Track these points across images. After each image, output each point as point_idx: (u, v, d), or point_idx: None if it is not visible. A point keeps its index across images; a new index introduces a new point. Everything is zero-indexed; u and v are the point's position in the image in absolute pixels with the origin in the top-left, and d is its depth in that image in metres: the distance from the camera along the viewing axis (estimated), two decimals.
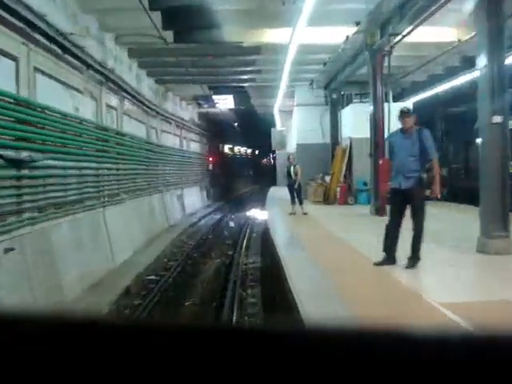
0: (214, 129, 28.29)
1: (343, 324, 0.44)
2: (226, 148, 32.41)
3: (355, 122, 14.42)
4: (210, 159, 25.52)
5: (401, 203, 5.37)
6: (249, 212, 22.16)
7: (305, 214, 12.10)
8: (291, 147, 24.90)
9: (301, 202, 12.34)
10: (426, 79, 16.62)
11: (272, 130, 25.21)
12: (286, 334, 0.44)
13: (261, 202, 26.13)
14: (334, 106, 16.11)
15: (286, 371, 0.40)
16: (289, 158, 12.77)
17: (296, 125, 17.01)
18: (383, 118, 10.98)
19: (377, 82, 11.06)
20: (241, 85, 16.72)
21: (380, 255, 5.64)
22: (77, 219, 8.54)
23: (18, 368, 0.42)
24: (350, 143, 14.75)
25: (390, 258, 5.49)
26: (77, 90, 9.00)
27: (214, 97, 20.07)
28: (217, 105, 22.55)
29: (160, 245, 13.00)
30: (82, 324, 0.47)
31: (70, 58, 8.61)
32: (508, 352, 0.41)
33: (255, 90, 18.60)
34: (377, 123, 11.13)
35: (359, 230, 9.58)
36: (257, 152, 50.86)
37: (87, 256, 8.55)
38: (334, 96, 15.99)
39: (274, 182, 41.30)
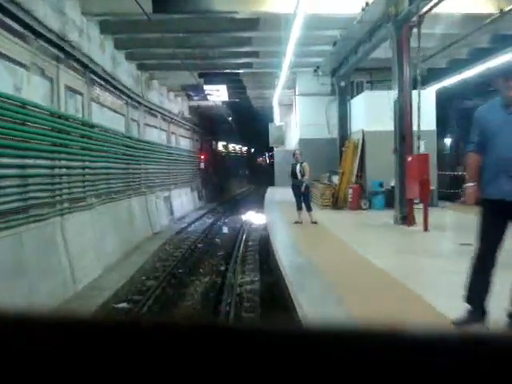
0: (207, 124, 26.16)
1: (342, 324, 0.44)
2: (220, 145, 30.29)
3: (369, 112, 12.37)
4: (202, 157, 23.41)
5: (503, 223, 3.25)
6: (244, 216, 20.07)
7: (314, 222, 9.97)
8: (290, 144, 22.82)
9: (309, 208, 10.19)
10: (446, 66, 14.58)
11: (270, 125, 23.12)
12: (284, 334, 0.44)
13: (258, 204, 24.06)
14: (343, 96, 14.03)
15: (285, 371, 0.40)
16: (294, 155, 10.69)
17: (298, 117, 14.94)
18: (411, 105, 8.91)
19: (403, 61, 8.99)
20: (235, 71, 14.61)
21: (459, 305, 3.51)
22: (17, 235, 6.41)
23: (19, 368, 0.42)
24: (363, 137, 12.69)
25: (477, 312, 3.35)
26: (19, 63, 6.85)
27: (206, 87, 17.95)
28: (209, 97, 20.43)
29: (139, 259, 10.88)
30: (81, 324, 0.48)
31: (8, 21, 6.47)
32: (507, 352, 0.41)
33: (251, 78, 16.50)
34: (402, 112, 9.05)
35: (399, 249, 7.39)
36: (252, 150, 48.72)
37: (31, 285, 6.42)
38: (343, 84, 13.91)
39: (271, 182, 39.22)
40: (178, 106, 19.82)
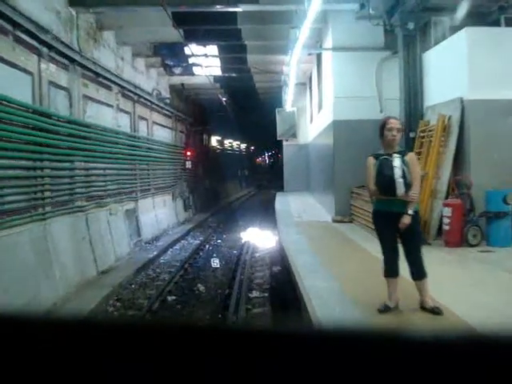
0: (196, 112, 20.46)
1: (348, 327, 0.43)
2: (214, 140, 24.68)
3: (476, 67, 6.76)
4: (189, 154, 17.75)
5: None
6: (245, 234, 14.41)
7: (434, 310, 3.93)
8: (305, 136, 17.17)
9: (420, 272, 4.00)
10: None
11: (277, 112, 17.45)
12: (288, 335, 0.44)
13: (262, 213, 18.45)
14: (411, 47, 8.39)
15: (289, 371, 0.40)
16: (387, 129, 4.38)
17: (332, 86, 9.25)
18: None
19: None
20: (230, 9, 8.91)
21: None
22: None
23: (19, 368, 0.42)
24: (462, 113, 7.03)
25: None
26: None
27: (189, 50, 12.29)
28: (195, 69, 14.75)
29: None
30: (81, 325, 0.48)
31: None
32: (507, 352, 0.41)
33: (255, 32, 10.82)
34: None
35: None
36: (253, 148, 42.96)
37: None
38: (411, 26, 8.24)
39: (276, 185, 33.43)
40: (151, 81, 14.13)
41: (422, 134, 7.79)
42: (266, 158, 70.64)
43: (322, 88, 11.28)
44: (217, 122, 23.60)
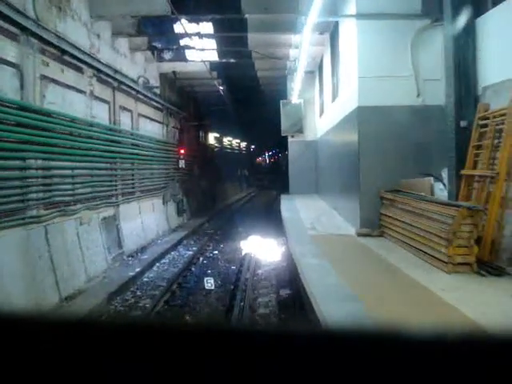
0: (191, 106, 18.54)
1: (349, 327, 0.44)
2: (211, 138, 22.74)
3: None
4: (182, 151, 15.82)
5: None
6: (247, 243, 12.52)
7: None
8: (313, 131, 15.25)
9: None
10: None
11: (282, 104, 15.53)
12: (288, 336, 0.44)
13: (264, 218, 16.56)
14: (459, 11, 6.47)
15: (290, 372, 0.40)
16: None
17: (355, 64, 7.29)
18: None
19: None
20: None
21: None
22: None
23: (20, 368, 0.42)
24: None
25: None
26: None
27: (179, 27, 10.40)
28: (188, 53, 12.86)
29: None
30: (81, 325, 0.48)
31: None
32: (507, 352, 0.41)
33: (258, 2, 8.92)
34: None
35: None
36: (254, 145, 41.00)
37: None
38: None
39: (278, 186, 31.52)
40: (137, 67, 12.21)
41: (481, 122, 5.89)
42: (266, 158, 68.77)
43: (339, 71, 9.35)
44: (215, 118, 21.67)
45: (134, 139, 11.68)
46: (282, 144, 48.87)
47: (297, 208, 11.24)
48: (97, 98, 9.58)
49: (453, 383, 0.40)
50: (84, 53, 8.77)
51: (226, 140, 26.76)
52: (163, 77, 14.62)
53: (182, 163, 15.74)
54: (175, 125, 16.14)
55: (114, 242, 10.16)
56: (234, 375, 0.40)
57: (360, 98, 7.18)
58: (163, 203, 14.32)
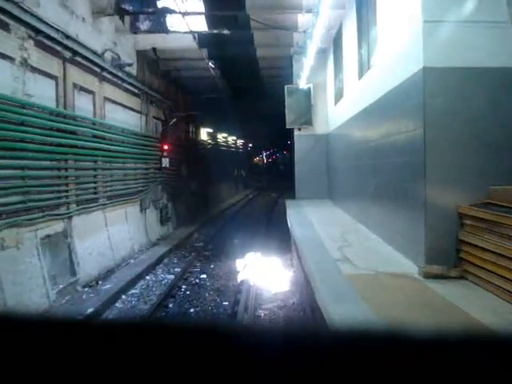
0: (179, 95, 15.80)
1: (350, 327, 0.44)
2: (204, 133, 19.99)
3: None
4: (166, 147, 13.08)
5: None
6: (244, 261, 9.88)
7: None
8: (323, 124, 12.59)
9: None
10: None
11: (286, 89, 12.84)
12: (289, 336, 0.44)
13: (265, 226, 13.95)
14: None
15: (290, 372, 0.40)
16: None
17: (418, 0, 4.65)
18: None
19: None
20: None
21: None
22: None
23: (20, 368, 0.42)
24: None
25: None
26: None
27: None
28: (170, 23, 10.19)
29: None
30: (81, 325, 0.49)
31: None
32: (507, 352, 0.41)
33: None
34: None
35: None
36: (251, 144, 38.20)
37: None
38: None
39: (278, 187, 28.86)
40: (102, 38, 9.48)
41: None
42: (264, 157, 66.18)
43: (375, 26, 6.64)
44: (208, 111, 18.94)
45: (96, 130, 8.95)
46: (281, 143, 46.46)
47: (309, 220, 8.53)
48: (35, 69, 6.86)
49: (454, 383, 0.39)
50: (8, 1, 6.05)
51: (221, 136, 24.01)
52: (141, 56, 11.89)
53: (165, 162, 13.01)
54: (158, 115, 13.41)
55: (64, 268, 7.45)
56: (236, 375, 0.40)
57: (426, 54, 4.47)
58: (141, 211, 11.60)
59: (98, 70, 9.12)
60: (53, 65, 7.39)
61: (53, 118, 7.26)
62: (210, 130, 20.81)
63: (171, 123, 14.08)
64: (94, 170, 8.92)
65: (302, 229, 7.42)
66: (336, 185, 11.21)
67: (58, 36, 7.33)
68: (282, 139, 40.40)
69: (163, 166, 13.02)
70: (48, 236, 7.07)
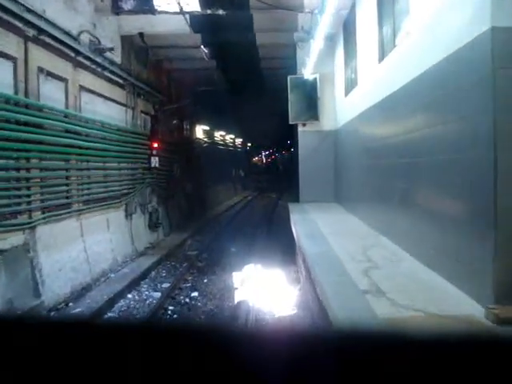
0: (172, 89, 14.48)
1: (351, 328, 0.44)
2: (199, 131, 18.65)
3: None
4: (156, 145, 11.78)
5: None
6: (241, 275, 8.59)
7: None
8: (331, 119, 11.34)
9: None
10: None
11: (290, 80, 11.58)
12: (289, 337, 0.44)
13: (266, 230, 12.73)
14: None
15: (289, 373, 0.40)
16: None
17: None
18: None
19: None
20: None
21: None
22: None
23: (21, 369, 0.41)
24: None
25: None
26: None
27: None
28: (157, 2, 8.90)
29: None
30: (81, 325, 0.48)
31: None
32: (506, 352, 0.41)
33: None
34: None
35: None
36: (250, 143, 36.83)
37: None
38: None
39: (277, 188, 27.62)
40: (78, 18, 8.18)
41: None
42: (263, 157, 64.97)
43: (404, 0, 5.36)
44: (204, 106, 17.67)
45: (70, 124, 7.64)
46: (282, 142, 45.14)
47: (318, 229, 7.24)
48: None
49: (455, 383, 0.38)
50: None
51: (218, 135, 22.69)
52: (128, 42, 10.59)
53: (155, 161, 11.71)
54: (147, 110, 12.10)
55: (24, 289, 6.16)
56: (239, 376, 0.39)
57: (496, 10, 3.19)
58: (126, 216, 10.30)
59: (71, 53, 7.82)
60: (10, 43, 6.08)
61: (9, 107, 5.96)
62: (207, 128, 19.50)
63: (164, 117, 12.78)
64: (66, 170, 7.62)
65: (313, 242, 6.11)
66: (346, 187, 9.91)
67: (16, 8, 6.03)
68: (282, 138, 39.14)
69: (152, 165, 11.72)
70: (2, 251, 5.77)
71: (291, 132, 19.00)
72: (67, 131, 7.54)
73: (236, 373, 0.39)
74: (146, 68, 12.05)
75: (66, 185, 7.59)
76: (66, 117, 7.57)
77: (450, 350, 0.41)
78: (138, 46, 11.14)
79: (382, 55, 6.52)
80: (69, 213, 7.56)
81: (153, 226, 11.95)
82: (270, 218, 16.62)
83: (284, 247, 10.41)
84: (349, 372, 0.39)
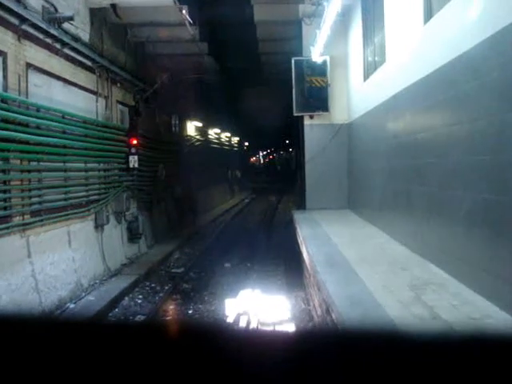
0: (157, 77, 12.57)
1: (352, 328, 0.41)
2: (191, 127, 16.79)
3: None
4: (135, 142, 9.95)
5: None
6: (238, 305, 6.70)
7: None
8: (344, 109, 9.53)
9: None
10: None
11: (294, 62, 9.74)
12: (289, 337, 0.46)
13: (265, 240, 11.06)
14: None
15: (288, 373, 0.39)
16: None
17: None
18: None
19: None
20: None
21: None
22: None
23: (18, 368, 0.41)
24: None
25: None
26: None
27: None
28: None
29: None
30: (81, 325, 0.48)
31: None
32: (504, 352, 0.40)
33: None
34: None
35: None
36: (247, 142, 34.98)
37: None
38: None
39: (276, 189, 25.86)
40: None
41: None
42: (261, 157, 63.21)
43: None
44: (196, 101, 15.82)
45: (9, 111, 5.79)
46: (280, 142, 43.29)
47: (339, 252, 5.39)
48: None
49: (455, 383, 0.38)
50: None
51: (213, 132, 20.83)
52: (99, 18, 8.75)
53: (133, 160, 9.87)
54: (125, 100, 10.25)
55: None
56: (240, 376, 0.39)
57: None
58: (96, 228, 8.44)
59: (12, 19, 5.97)
60: None
61: None
62: (200, 125, 17.62)
63: (147, 110, 10.92)
64: (4, 172, 5.76)
65: (336, 278, 4.25)
66: (365, 192, 8.07)
67: None
68: (281, 138, 37.32)
69: (131, 165, 9.86)
70: None
71: (291, 130, 17.20)
72: (5, 121, 5.69)
73: (238, 373, 0.39)
74: (124, 50, 10.20)
75: (3, 192, 5.74)
76: (2, 102, 5.72)
77: (453, 349, 0.40)
78: (112, 24, 9.30)
79: (430, 12, 4.68)
80: (7, 228, 5.71)
81: (133, 237, 10.10)
82: (269, 225, 14.80)
83: (286, 260, 8.70)
84: (350, 372, 0.38)
